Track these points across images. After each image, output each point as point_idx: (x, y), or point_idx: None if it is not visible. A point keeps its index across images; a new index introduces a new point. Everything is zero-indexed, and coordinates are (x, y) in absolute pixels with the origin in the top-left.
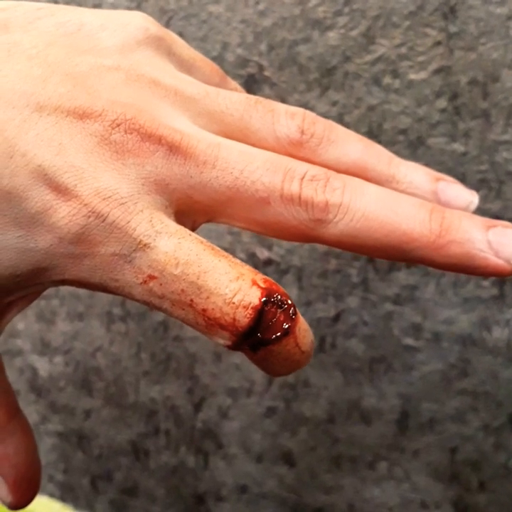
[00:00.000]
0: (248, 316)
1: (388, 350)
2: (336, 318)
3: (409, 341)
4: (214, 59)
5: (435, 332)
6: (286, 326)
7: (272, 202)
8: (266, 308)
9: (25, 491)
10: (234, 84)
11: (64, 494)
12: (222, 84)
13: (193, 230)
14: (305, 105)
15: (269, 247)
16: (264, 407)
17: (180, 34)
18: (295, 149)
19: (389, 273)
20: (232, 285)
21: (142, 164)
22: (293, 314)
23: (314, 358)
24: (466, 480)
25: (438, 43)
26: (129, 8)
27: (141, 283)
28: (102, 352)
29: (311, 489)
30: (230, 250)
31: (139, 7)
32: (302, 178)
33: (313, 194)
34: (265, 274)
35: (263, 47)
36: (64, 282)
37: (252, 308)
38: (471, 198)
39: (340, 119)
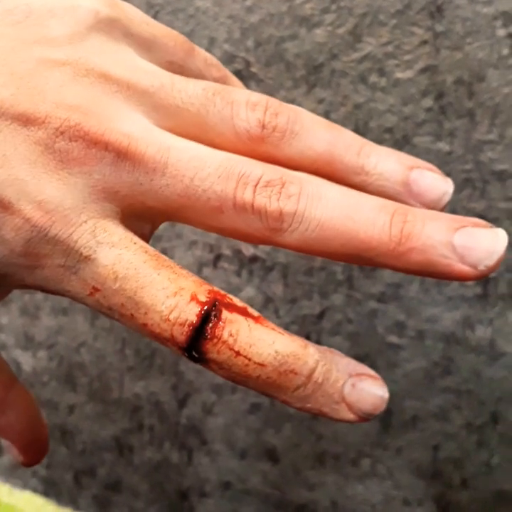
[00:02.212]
0: (185, 333)
1: (372, 348)
2: (321, 315)
3: (393, 339)
4: None
5: (419, 330)
6: (208, 328)
7: (224, 210)
8: (207, 323)
9: (34, 453)
10: (203, 55)
11: (47, 489)
12: (188, 57)
13: (153, 229)
14: (292, 102)
15: (255, 244)
16: (248, 403)
17: None
18: (256, 144)
19: (374, 271)
20: (168, 302)
21: (89, 172)
22: (215, 317)
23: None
24: (449, 477)
25: (424, 42)
26: None
27: (89, 294)
28: (86, 347)
29: (294, 486)
30: (216, 246)
31: (126, 1)
32: (256, 185)
33: (266, 202)
34: (251, 270)
35: (250, 43)
36: (27, 287)
37: (188, 325)
38: (446, 187)
39: (326, 117)
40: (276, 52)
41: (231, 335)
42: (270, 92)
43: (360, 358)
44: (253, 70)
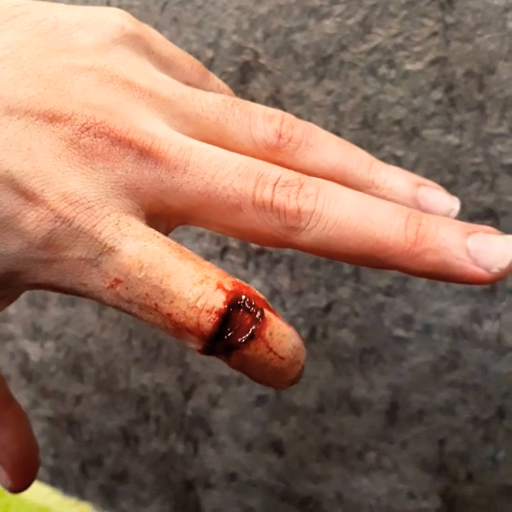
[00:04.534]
0: (212, 320)
1: (379, 341)
2: (328, 308)
3: (400, 333)
4: (209, 45)
5: (426, 324)
6: (252, 329)
7: (243, 208)
8: (232, 312)
9: (23, 477)
10: (217, 80)
11: (53, 479)
12: (203, 81)
13: (167, 232)
14: (300, 94)
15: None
16: (254, 395)
17: (175, 20)
18: (272, 153)
19: None
20: (195, 289)
21: (112, 168)
22: (260, 317)
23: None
24: (454, 471)
25: (434, 34)
26: None
27: (109, 287)
28: (93, 338)
29: (299, 478)
30: (223, 239)
31: None
32: (275, 184)
33: (285, 201)
34: (258, 263)
35: (259, 34)
36: (38, 286)
37: (215, 312)
38: (452, 204)
39: (335, 109)
40: (284, 43)
41: (271, 333)
42: (278, 84)
43: (366, 351)
44: (261, 61)
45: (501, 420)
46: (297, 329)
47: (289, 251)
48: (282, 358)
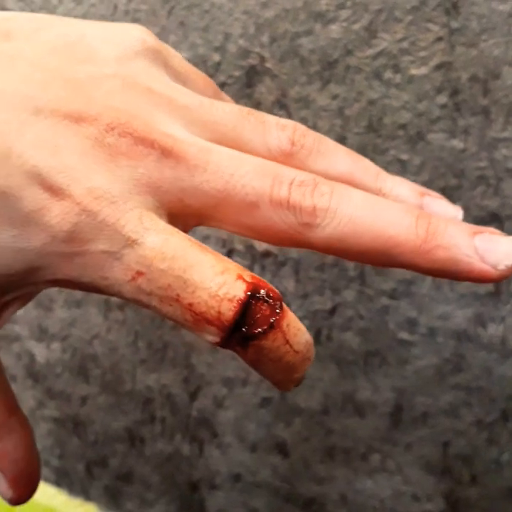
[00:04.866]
0: (233, 309)
1: (383, 344)
2: (332, 311)
3: (404, 335)
4: (216, 49)
5: (430, 327)
6: (272, 319)
7: (261, 206)
8: (251, 302)
9: (25, 487)
10: (227, 98)
11: (59, 479)
12: (215, 97)
13: (183, 232)
14: (306, 98)
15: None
16: (259, 397)
17: (182, 24)
18: (285, 160)
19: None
20: (217, 279)
21: (135, 166)
22: (279, 308)
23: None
24: (458, 474)
25: (440, 39)
26: None
27: (130, 280)
28: (99, 339)
29: (304, 479)
30: (228, 241)
31: None
32: (291, 183)
33: (301, 199)
34: (263, 266)
35: (265, 38)
36: (57, 282)
37: (237, 301)
38: (456, 212)
39: (340, 113)
40: (291, 47)
41: (288, 325)
42: (284, 87)
43: (371, 354)
44: (268, 65)
45: (505, 423)
46: None
47: (294, 254)
48: (296, 352)
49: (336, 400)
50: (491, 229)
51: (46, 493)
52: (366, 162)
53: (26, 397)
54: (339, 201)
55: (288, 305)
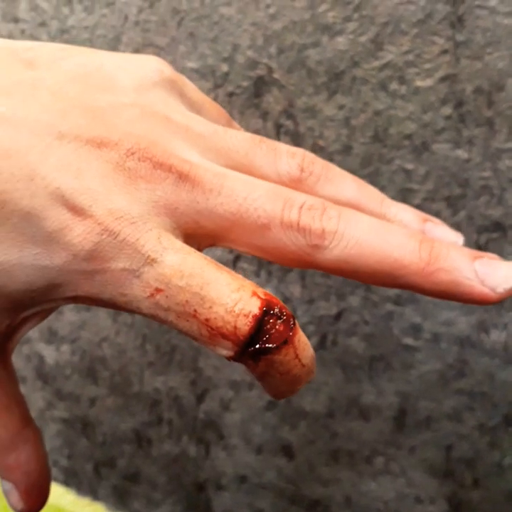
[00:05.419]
0: (248, 324)
1: (388, 349)
2: (338, 316)
3: (408, 341)
4: (224, 60)
5: (434, 333)
6: (285, 335)
7: (272, 228)
8: (266, 318)
9: (36, 499)
10: (237, 126)
11: (67, 479)
12: (228, 126)
13: None
14: (313, 108)
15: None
16: (265, 400)
17: (192, 35)
18: (295, 185)
19: None
20: (233, 295)
21: (153, 189)
22: (292, 325)
23: (315, 355)
24: (461, 477)
25: (445, 52)
26: (141, 8)
27: (148, 296)
28: (108, 342)
29: (309, 481)
30: None
31: (151, 7)
32: (301, 207)
33: (310, 222)
34: (269, 271)
35: (273, 50)
36: (76, 299)
37: (252, 316)
38: (456, 238)
39: (346, 123)
40: (298, 59)
41: (298, 340)
42: (292, 98)
43: (375, 359)
44: (275, 76)
45: (507, 427)
46: (308, 337)
47: None
48: (303, 365)
49: (340, 403)
50: (490, 254)
51: (55, 492)
52: (371, 189)
53: (36, 398)
54: (346, 225)
55: (294, 310)
